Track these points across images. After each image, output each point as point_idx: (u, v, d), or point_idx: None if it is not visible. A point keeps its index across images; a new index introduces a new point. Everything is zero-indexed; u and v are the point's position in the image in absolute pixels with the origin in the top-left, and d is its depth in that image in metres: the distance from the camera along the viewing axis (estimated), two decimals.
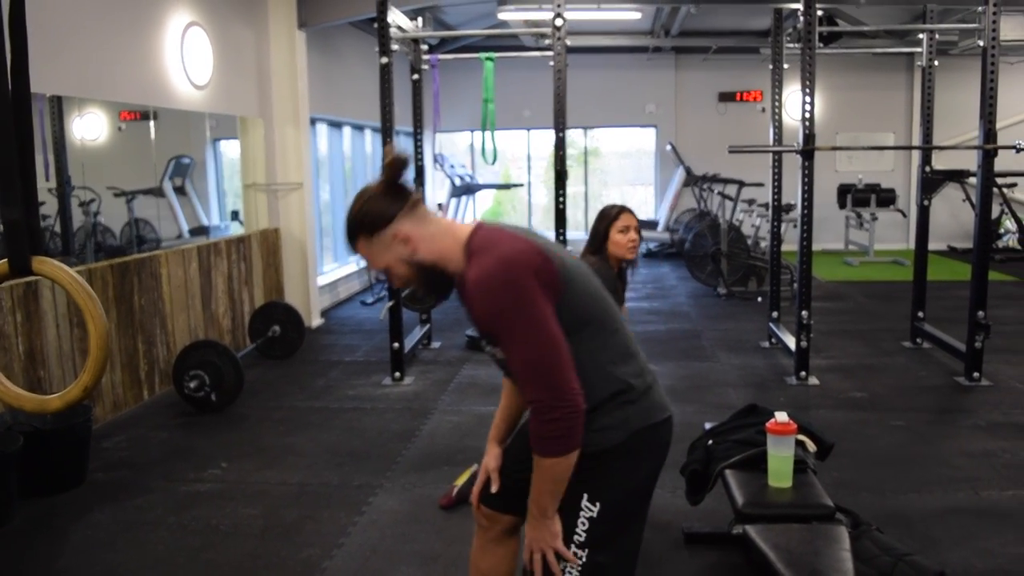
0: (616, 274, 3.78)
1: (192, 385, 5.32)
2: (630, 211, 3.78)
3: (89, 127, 5.74)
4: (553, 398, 1.84)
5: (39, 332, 4.63)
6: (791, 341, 6.04)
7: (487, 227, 2.02)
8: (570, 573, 2.03)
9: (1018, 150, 5.75)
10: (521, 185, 13.86)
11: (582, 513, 2.01)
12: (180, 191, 6.96)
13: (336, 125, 10.02)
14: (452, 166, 11.03)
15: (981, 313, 5.65)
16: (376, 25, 5.84)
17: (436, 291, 2.08)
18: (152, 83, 5.92)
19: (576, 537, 2.02)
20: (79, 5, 5.14)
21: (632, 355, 2.08)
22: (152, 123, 6.31)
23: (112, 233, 6.15)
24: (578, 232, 13.48)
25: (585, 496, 2.01)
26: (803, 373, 5.85)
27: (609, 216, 3.77)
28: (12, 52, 2.13)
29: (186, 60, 6.26)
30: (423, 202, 2.05)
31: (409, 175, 2.06)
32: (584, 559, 2.02)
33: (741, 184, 10.00)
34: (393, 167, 1.98)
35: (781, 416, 2.93)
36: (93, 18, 5.27)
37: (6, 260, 2.21)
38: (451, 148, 14.20)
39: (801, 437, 3.10)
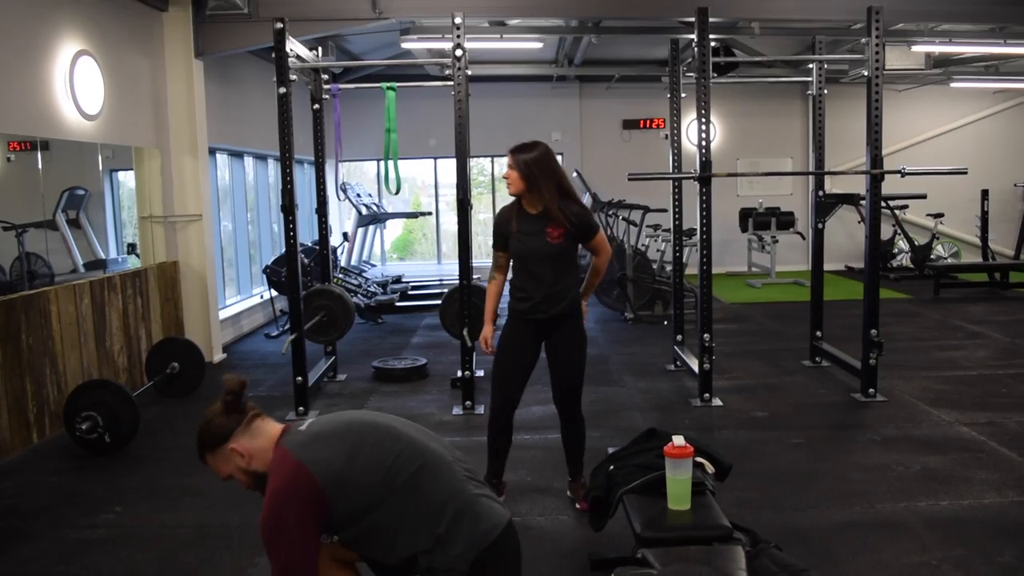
0: (539, 213, 3.91)
1: (84, 427, 5.10)
2: (513, 151, 3.90)
3: None
4: None
5: None
6: (695, 364, 6.14)
7: (280, 448, 2.31)
8: None
9: (903, 175, 5.99)
10: (429, 214, 13.84)
11: None
12: (74, 224, 6.72)
13: (237, 155, 9.84)
14: (359, 195, 10.94)
15: (874, 331, 5.85)
16: (274, 55, 5.77)
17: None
18: (39, 113, 5.71)
19: None
20: None
21: (444, 498, 2.29)
22: (41, 154, 6.09)
23: (1, 269, 5.89)
24: (488, 259, 13.49)
25: None
26: (707, 395, 5.95)
27: None
28: None
29: (76, 90, 6.06)
30: (260, 416, 2.42)
31: (246, 395, 2.43)
32: None
33: (646, 210, 10.17)
34: (231, 393, 2.38)
35: (678, 439, 2.95)
36: None
37: None
38: (360, 177, 14.10)
39: (699, 459, 3.13)
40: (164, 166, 7.45)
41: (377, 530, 2.27)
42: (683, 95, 7.23)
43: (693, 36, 5.89)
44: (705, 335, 5.84)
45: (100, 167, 6.92)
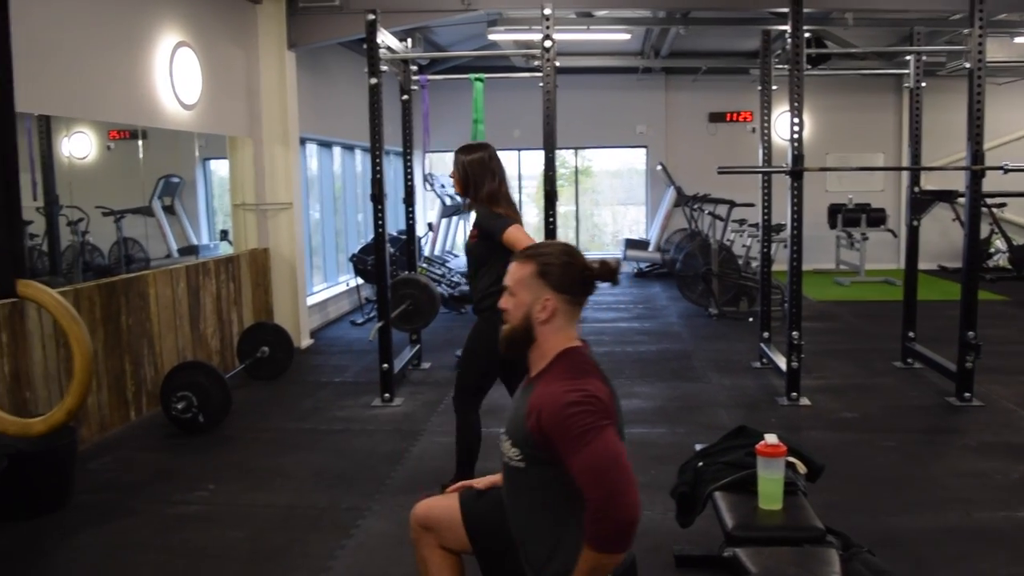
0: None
1: (179, 406, 5.27)
2: (457, 151, 4.08)
3: (77, 146, 5.74)
4: (609, 500, 1.99)
5: (24, 353, 4.59)
6: (782, 362, 6.02)
7: (593, 366, 2.23)
8: None
9: (1005, 171, 5.77)
10: None
11: None
12: (169, 210, 6.94)
13: (326, 145, 10.02)
14: (443, 186, 11.03)
15: (971, 333, 5.64)
16: (365, 46, 5.85)
17: (511, 350, 2.27)
18: (141, 103, 5.91)
19: None
20: (67, 24, 5.13)
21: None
22: (141, 142, 6.30)
23: (100, 252, 6.13)
24: None
25: None
26: (794, 394, 5.83)
27: None
28: None
29: (175, 80, 6.25)
30: (581, 309, 2.29)
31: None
32: None
33: (732, 204, 10.02)
34: (608, 268, 2.25)
35: (771, 438, 2.90)
36: (81, 37, 5.26)
37: None
38: (444, 168, 14.20)
39: (791, 459, 3.08)
40: (256, 155, 7.63)
41: (546, 528, 2.22)
42: (774, 87, 7.09)
43: (784, 27, 5.77)
44: (794, 332, 5.72)
45: (196, 155, 7.13)
